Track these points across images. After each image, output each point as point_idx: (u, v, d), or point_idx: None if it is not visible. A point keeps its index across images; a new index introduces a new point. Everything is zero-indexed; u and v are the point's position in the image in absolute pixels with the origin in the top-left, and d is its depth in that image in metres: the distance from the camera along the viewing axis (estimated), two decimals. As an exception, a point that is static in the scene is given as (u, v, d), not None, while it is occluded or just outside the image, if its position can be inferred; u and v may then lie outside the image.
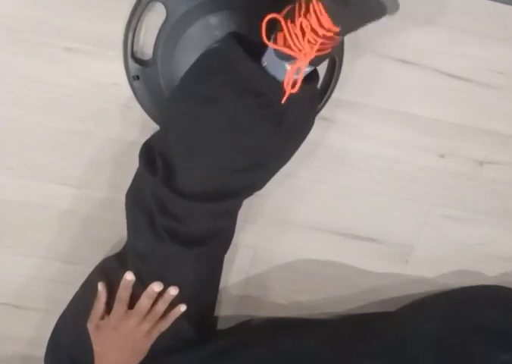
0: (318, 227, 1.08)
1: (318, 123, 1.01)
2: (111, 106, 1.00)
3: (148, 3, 0.93)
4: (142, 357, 0.92)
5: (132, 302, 0.92)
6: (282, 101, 0.81)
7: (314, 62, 0.82)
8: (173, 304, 0.92)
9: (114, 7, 0.95)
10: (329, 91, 0.99)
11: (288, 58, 0.80)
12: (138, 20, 0.94)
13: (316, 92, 0.92)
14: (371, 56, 0.99)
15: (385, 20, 0.97)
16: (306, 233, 1.08)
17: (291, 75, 0.80)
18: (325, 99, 0.99)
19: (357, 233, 1.08)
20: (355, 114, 1.02)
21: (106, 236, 1.06)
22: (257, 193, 1.04)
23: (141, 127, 1.00)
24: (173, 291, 0.91)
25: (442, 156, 1.04)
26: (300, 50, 0.78)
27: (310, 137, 1.01)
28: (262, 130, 0.84)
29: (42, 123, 1.01)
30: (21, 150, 1.02)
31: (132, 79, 0.97)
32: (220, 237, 0.93)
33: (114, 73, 0.98)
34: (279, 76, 0.83)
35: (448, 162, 1.05)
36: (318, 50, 0.78)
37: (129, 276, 0.91)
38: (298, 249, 1.09)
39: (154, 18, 0.95)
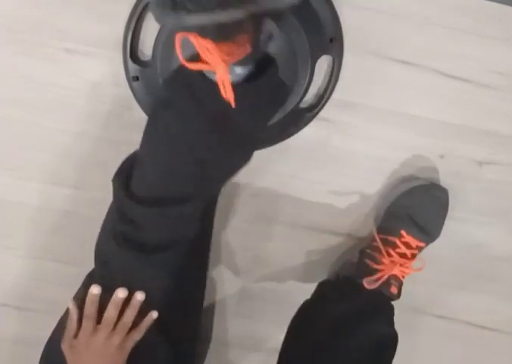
0: (317, 227, 1.08)
1: (318, 123, 1.01)
2: (110, 107, 1.00)
3: (147, 4, 0.93)
4: None
5: (102, 317, 0.89)
6: (233, 106, 0.77)
7: (243, 62, 0.78)
8: (143, 313, 0.89)
9: (113, 9, 0.95)
10: (328, 92, 0.99)
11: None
12: (138, 21, 0.94)
13: (263, 88, 0.85)
14: (371, 56, 0.99)
15: (385, 20, 0.98)
16: (305, 234, 1.08)
17: (221, 81, 0.75)
18: (324, 100, 0.99)
19: (357, 234, 1.08)
20: (355, 115, 1.01)
21: (106, 236, 1.06)
22: (256, 194, 1.05)
23: (140, 128, 0.99)
24: (140, 296, 0.88)
25: (442, 157, 1.04)
26: (213, 64, 0.73)
27: (310, 138, 1.02)
28: (205, 137, 0.82)
29: (41, 123, 1.01)
30: (20, 151, 1.02)
31: (132, 79, 0.97)
32: (181, 243, 0.89)
33: (113, 74, 0.98)
34: (214, 78, 0.78)
35: (447, 163, 1.05)
36: (230, 56, 0.73)
37: (95, 289, 0.88)
38: (297, 249, 1.09)
39: (154, 19, 0.95)
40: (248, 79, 0.80)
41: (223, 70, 0.72)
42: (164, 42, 0.93)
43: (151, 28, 0.95)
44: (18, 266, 1.09)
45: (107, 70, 0.98)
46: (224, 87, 0.75)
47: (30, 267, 1.09)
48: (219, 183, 0.92)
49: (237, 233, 1.07)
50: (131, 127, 1.00)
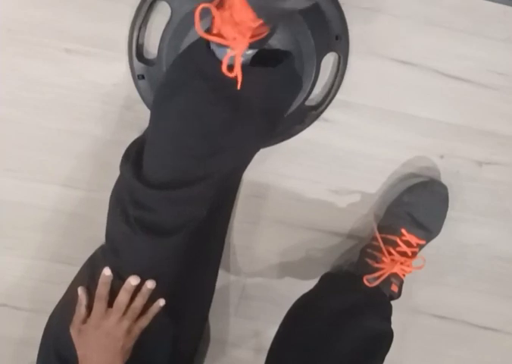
0: (317, 227, 1.08)
1: (318, 123, 1.01)
2: (111, 107, 1.00)
3: (152, 2, 0.93)
4: (126, 356, 0.90)
5: (112, 300, 0.90)
6: (238, 87, 0.78)
7: (255, 45, 0.79)
8: (152, 299, 0.90)
9: (114, 9, 0.95)
10: (334, 89, 0.99)
11: (226, 46, 0.78)
12: (143, 20, 0.94)
13: (279, 74, 0.86)
14: (371, 57, 0.99)
15: (385, 20, 0.98)
16: (305, 234, 1.08)
17: (227, 60, 0.77)
18: (330, 97, 0.99)
19: (356, 234, 1.08)
20: (355, 115, 1.02)
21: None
22: (257, 194, 1.05)
23: (140, 127, 1.00)
24: (150, 284, 0.89)
25: (442, 157, 1.04)
26: (234, 39, 0.75)
27: (310, 138, 1.02)
28: (217, 115, 0.82)
29: (41, 124, 1.01)
30: (20, 151, 1.02)
31: (137, 78, 0.97)
32: (192, 225, 0.90)
33: (114, 74, 0.98)
34: (220, 57, 0.80)
35: (447, 163, 1.05)
36: (252, 36, 0.75)
37: (108, 271, 0.90)
38: (297, 249, 1.09)
39: (159, 17, 0.95)
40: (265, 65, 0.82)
41: (243, 46, 0.75)
42: (170, 40, 0.93)
43: (156, 26, 0.95)
44: (18, 266, 1.09)
45: (107, 70, 0.98)
46: (234, 63, 0.76)
47: (30, 267, 1.09)
48: (231, 164, 0.89)
49: (237, 233, 1.07)
50: (132, 127, 1.00)
